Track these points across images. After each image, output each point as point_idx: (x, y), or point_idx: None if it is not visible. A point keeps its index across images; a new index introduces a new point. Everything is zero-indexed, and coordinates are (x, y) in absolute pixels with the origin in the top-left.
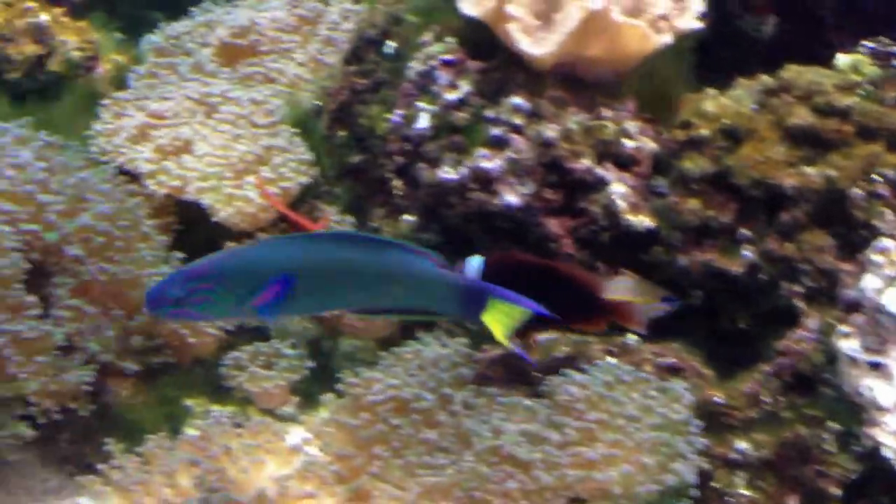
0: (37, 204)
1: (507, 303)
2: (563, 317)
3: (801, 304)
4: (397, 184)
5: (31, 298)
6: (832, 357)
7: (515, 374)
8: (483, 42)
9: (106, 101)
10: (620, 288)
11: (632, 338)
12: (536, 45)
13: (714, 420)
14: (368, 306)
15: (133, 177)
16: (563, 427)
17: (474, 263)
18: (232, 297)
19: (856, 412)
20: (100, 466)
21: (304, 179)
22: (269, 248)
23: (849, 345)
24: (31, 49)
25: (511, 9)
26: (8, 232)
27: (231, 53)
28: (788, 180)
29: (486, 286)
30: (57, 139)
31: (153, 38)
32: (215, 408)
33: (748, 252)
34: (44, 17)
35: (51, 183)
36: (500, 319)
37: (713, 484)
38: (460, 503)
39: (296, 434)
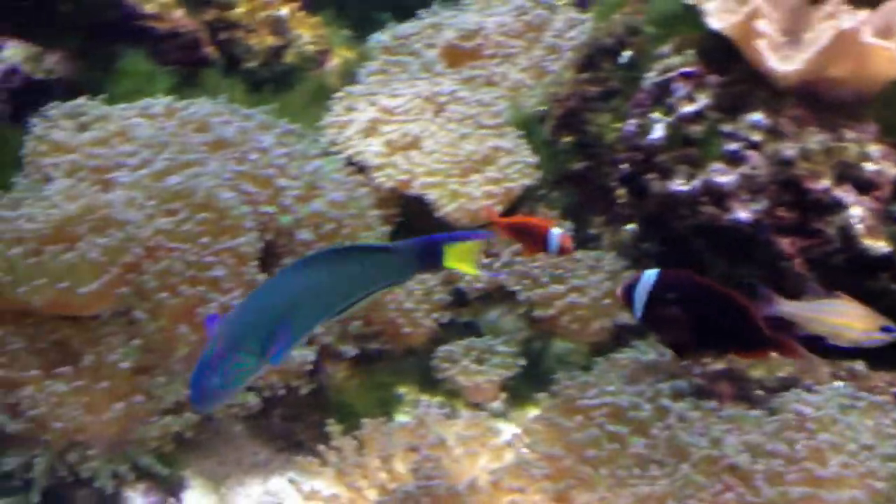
0: (275, 188)
1: (461, 242)
2: (725, 343)
3: None
4: (620, 192)
5: (263, 277)
6: None
7: (738, 390)
8: (721, 56)
9: (338, 95)
10: (832, 311)
11: (860, 363)
12: (783, 62)
13: None
14: (348, 304)
15: (359, 168)
16: (792, 443)
17: (649, 275)
18: (254, 357)
19: None
20: (313, 445)
21: (527, 181)
22: (262, 300)
23: None
24: (269, 40)
25: (760, 25)
26: (248, 212)
27: (456, 55)
28: None
29: (435, 238)
30: (297, 127)
31: (381, 37)
32: (425, 397)
33: None
34: (283, 11)
35: (289, 168)
36: (462, 259)
37: None
38: None
39: (507, 430)
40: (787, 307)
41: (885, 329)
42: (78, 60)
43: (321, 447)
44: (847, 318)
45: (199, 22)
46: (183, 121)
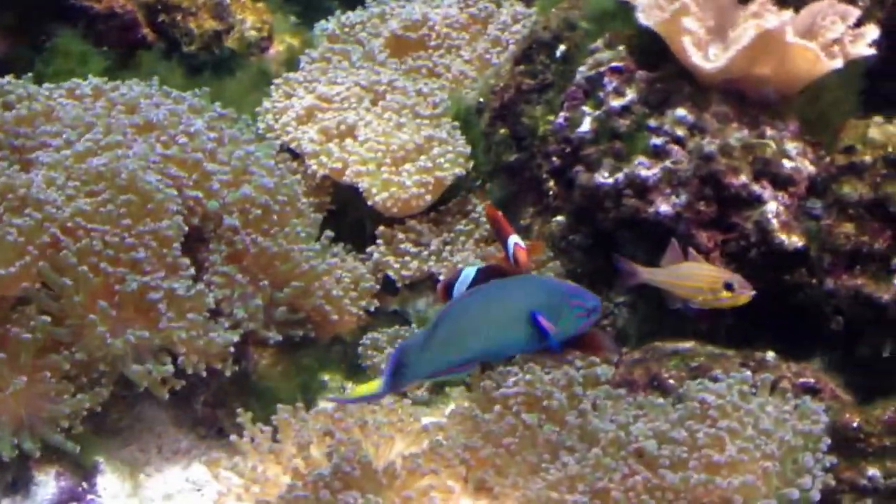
0: (203, 172)
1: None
2: None
3: None
4: (552, 185)
5: (186, 260)
6: None
7: (651, 378)
8: (651, 52)
9: (277, 81)
10: (685, 274)
11: (770, 354)
12: (707, 59)
13: (848, 444)
14: None
15: (294, 155)
16: (694, 431)
17: (468, 272)
18: None
19: None
20: (235, 432)
21: (459, 171)
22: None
23: None
24: (210, 24)
25: (687, 22)
26: (173, 195)
27: (400, 45)
28: None
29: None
30: (230, 112)
31: (326, 25)
32: (349, 384)
33: None
34: None
35: (219, 153)
36: None
37: None
38: (584, 496)
39: (426, 418)
40: (647, 275)
41: (727, 286)
42: (9, 38)
43: (233, 436)
44: (696, 281)
45: (136, 3)
46: (111, 102)
